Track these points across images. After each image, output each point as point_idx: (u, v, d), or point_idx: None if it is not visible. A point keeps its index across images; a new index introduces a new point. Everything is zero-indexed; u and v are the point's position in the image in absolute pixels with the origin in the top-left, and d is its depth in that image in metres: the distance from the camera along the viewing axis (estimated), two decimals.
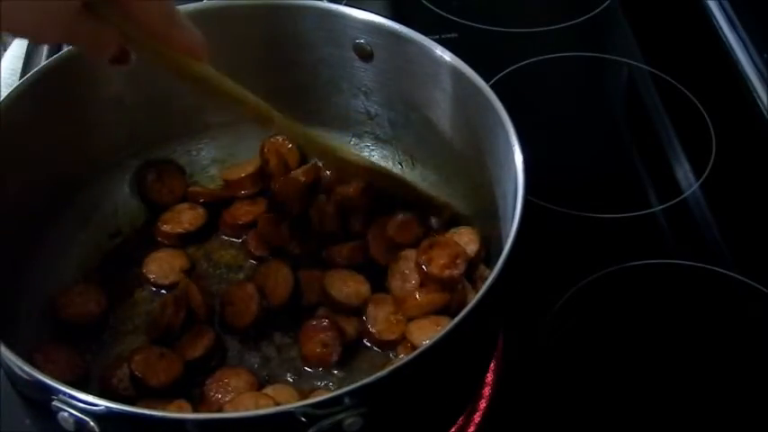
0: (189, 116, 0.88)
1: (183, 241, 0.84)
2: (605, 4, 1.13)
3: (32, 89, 0.77)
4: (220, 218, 0.86)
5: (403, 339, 0.75)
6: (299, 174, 0.86)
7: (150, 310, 0.79)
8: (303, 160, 0.90)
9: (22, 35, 0.72)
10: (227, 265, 0.83)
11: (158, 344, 0.75)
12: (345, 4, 0.85)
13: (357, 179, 0.82)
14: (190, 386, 0.73)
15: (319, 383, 0.74)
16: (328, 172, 0.86)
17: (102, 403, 0.58)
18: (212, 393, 0.72)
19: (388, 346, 0.76)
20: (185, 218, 0.85)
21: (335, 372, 0.74)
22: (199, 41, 0.67)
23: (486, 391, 0.76)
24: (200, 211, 0.85)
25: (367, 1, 1.08)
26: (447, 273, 0.75)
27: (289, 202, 0.83)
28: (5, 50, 1.18)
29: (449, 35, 1.06)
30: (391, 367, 0.59)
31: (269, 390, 0.73)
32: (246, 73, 0.86)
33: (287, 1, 0.84)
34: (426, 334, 0.73)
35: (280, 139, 0.89)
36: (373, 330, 0.76)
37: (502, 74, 1.02)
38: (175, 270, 0.82)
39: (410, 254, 0.78)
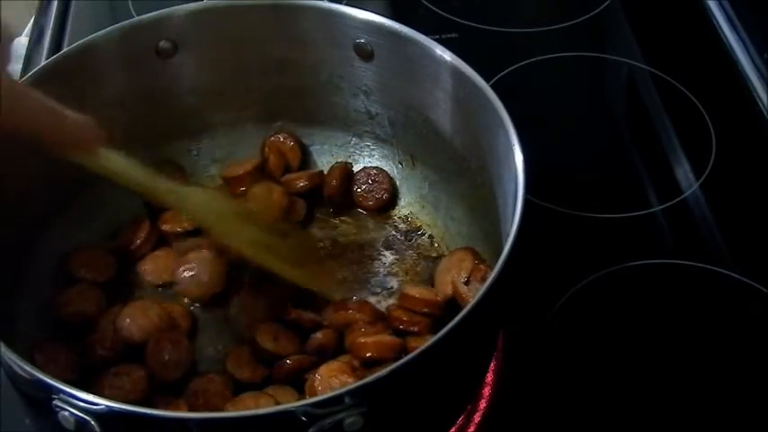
0: (189, 116, 0.88)
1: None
2: (605, 4, 1.13)
3: None
4: None
5: None
6: (302, 177, 0.87)
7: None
8: (304, 161, 0.90)
9: None
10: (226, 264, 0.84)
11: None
12: (345, 4, 0.85)
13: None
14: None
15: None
16: (334, 182, 0.86)
17: (103, 402, 0.58)
18: (190, 396, 0.73)
19: None
20: (184, 217, 0.85)
21: None
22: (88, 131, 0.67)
23: (486, 391, 0.76)
24: None
25: (367, 1, 1.08)
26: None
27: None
28: None
29: (449, 35, 1.06)
30: (391, 367, 0.59)
31: (269, 389, 0.73)
32: (247, 73, 0.87)
33: (287, 1, 0.84)
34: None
35: (281, 137, 0.89)
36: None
37: (502, 74, 1.02)
38: (170, 269, 0.82)
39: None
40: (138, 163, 0.72)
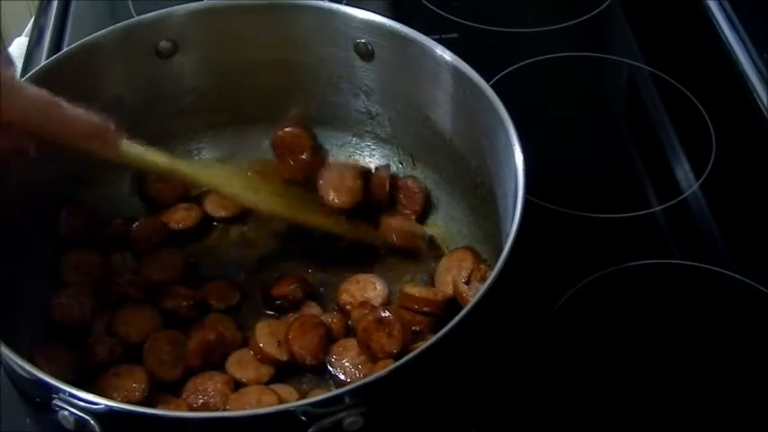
0: (189, 116, 0.88)
1: (177, 239, 0.84)
2: (605, 4, 1.13)
3: None
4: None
5: None
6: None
7: None
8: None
9: None
10: (228, 263, 0.84)
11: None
12: (345, 4, 0.86)
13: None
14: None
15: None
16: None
17: (103, 402, 0.58)
18: (190, 395, 0.73)
19: None
20: (178, 216, 0.85)
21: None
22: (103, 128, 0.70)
23: (486, 391, 0.76)
24: (195, 209, 0.86)
25: (367, 1, 1.08)
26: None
27: None
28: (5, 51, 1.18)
29: (449, 35, 1.06)
30: (391, 366, 0.59)
31: (271, 385, 0.73)
32: (247, 73, 0.87)
33: (287, 1, 0.84)
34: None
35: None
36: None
37: (502, 74, 1.02)
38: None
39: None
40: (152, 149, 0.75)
